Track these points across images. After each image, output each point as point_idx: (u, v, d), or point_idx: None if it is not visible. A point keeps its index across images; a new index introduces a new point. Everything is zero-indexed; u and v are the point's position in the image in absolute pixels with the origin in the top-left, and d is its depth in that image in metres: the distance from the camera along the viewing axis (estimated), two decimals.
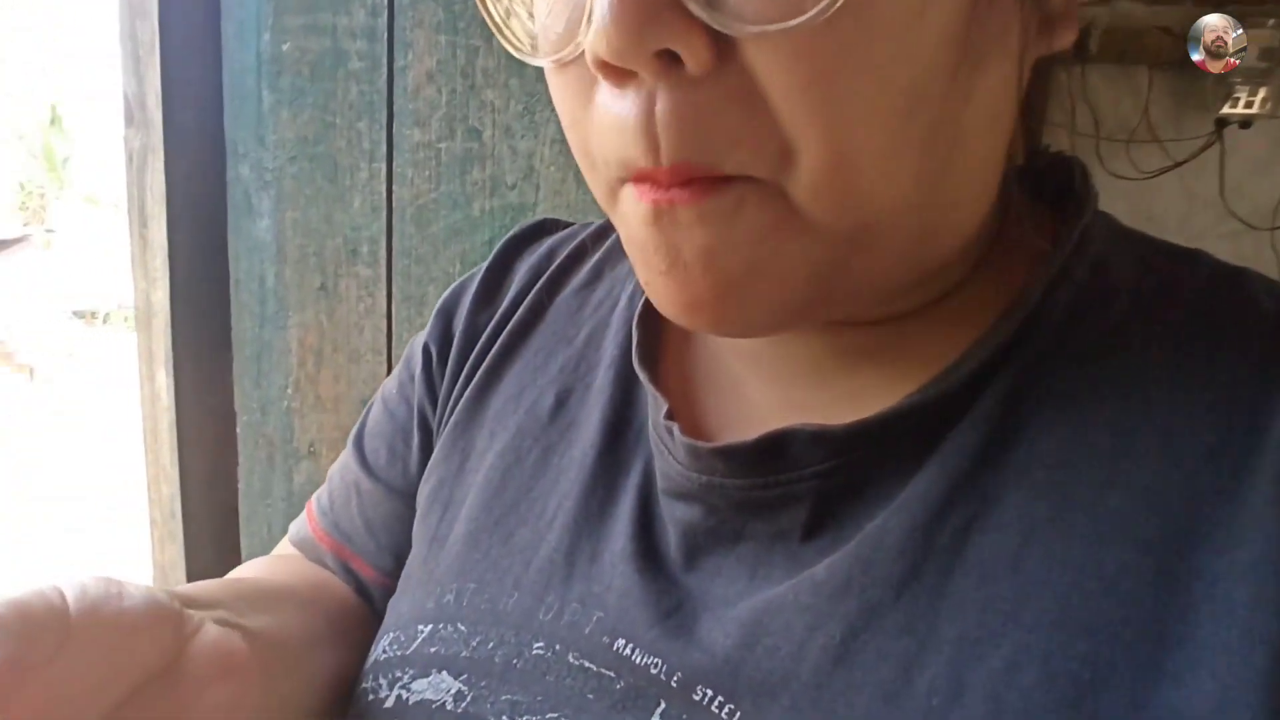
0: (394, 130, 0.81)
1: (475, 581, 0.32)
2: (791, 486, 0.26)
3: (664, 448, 0.30)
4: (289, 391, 0.86)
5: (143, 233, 0.87)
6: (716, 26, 0.20)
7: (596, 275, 0.39)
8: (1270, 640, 0.20)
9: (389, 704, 0.31)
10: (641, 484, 0.31)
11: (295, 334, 0.85)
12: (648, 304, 0.34)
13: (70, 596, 0.21)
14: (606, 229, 0.41)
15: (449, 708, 0.29)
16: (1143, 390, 0.24)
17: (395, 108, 0.81)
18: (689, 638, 0.27)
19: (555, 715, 0.27)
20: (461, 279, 0.43)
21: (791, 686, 0.24)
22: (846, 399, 0.28)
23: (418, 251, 0.82)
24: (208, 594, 0.30)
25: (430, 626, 0.32)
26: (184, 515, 0.88)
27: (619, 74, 0.21)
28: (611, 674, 0.27)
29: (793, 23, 0.19)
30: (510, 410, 0.36)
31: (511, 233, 0.43)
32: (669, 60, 0.20)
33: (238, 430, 0.90)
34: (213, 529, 0.90)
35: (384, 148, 0.82)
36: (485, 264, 0.42)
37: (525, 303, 0.39)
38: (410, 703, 0.30)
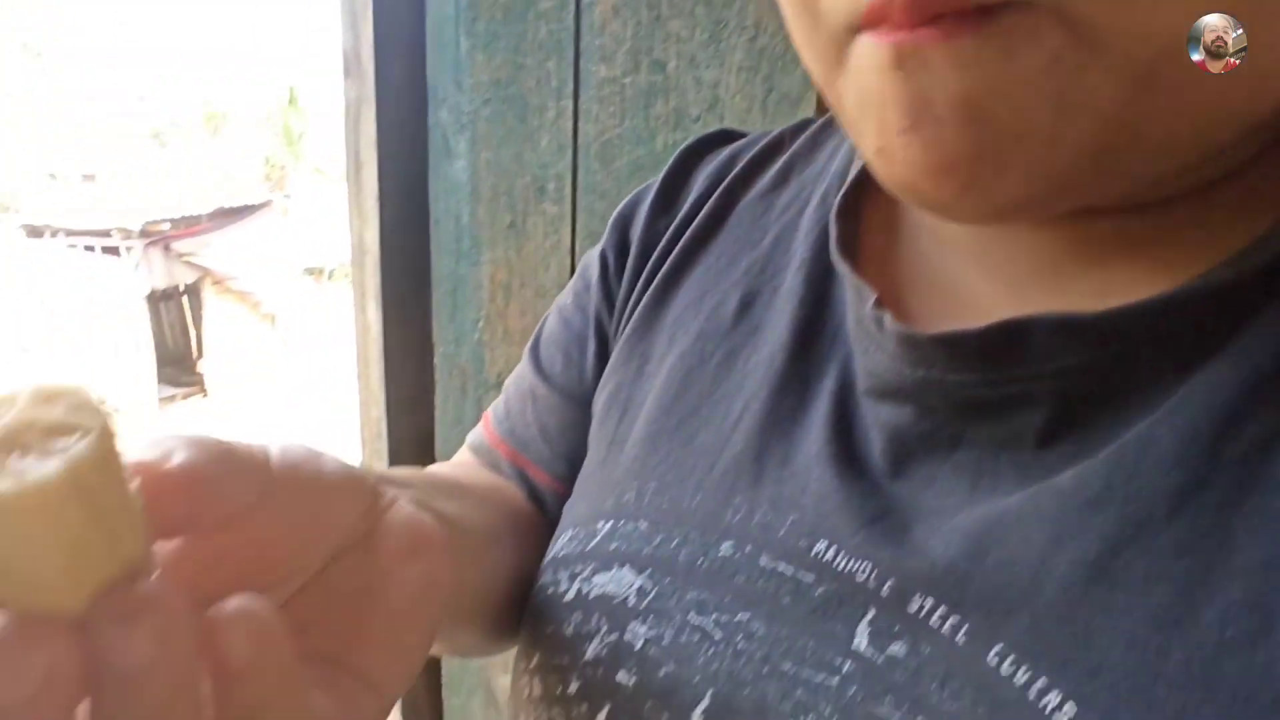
0: (580, 67, 0.82)
1: (656, 481, 0.31)
2: (1027, 385, 0.23)
3: (870, 342, 0.27)
4: (480, 325, 0.92)
5: (357, 177, 0.95)
6: None
7: (783, 178, 0.36)
8: None
9: (569, 597, 0.31)
10: (837, 388, 0.28)
11: (487, 270, 0.90)
12: (845, 199, 0.31)
13: (272, 453, 0.21)
14: (804, 124, 0.38)
15: (631, 603, 0.28)
16: None
17: (582, 44, 0.82)
18: (900, 544, 0.24)
19: (746, 616, 0.26)
20: (637, 190, 0.42)
21: (1033, 604, 0.21)
22: (1091, 297, 0.24)
23: (601, 188, 0.82)
24: (401, 476, 0.32)
25: (610, 523, 0.31)
26: (389, 436, 0.97)
27: None
28: (810, 578, 0.25)
29: None
30: (691, 315, 0.35)
31: (688, 142, 0.41)
32: None
33: (435, 360, 0.97)
34: (413, 449, 0.98)
35: (571, 85, 0.83)
36: (662, 173, 0.40)
37: (705, 208, 0.37)
38: (590, 596, 0.30)
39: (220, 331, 7.05)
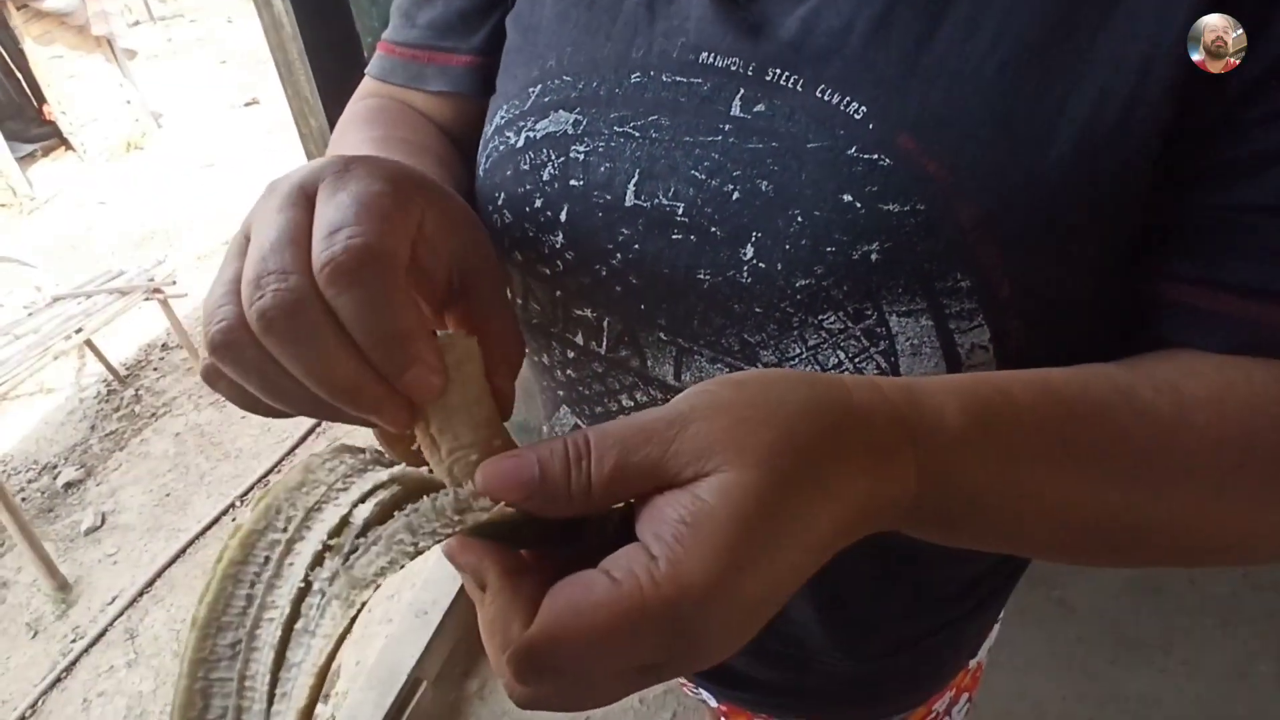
0: None
1: (571, 45, 0.37)
2: None
3: None
4: None
5: None
6: None
7: None
8: None
9: (519, 144, 0.37)
10: None
11: None
12: None
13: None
14: None
15: (569, 133, 0.36)
16: None
17: None
18: (756, 39, 0.32)
19: (655, 117, 0.34)
20: None
21: (843, 53, 0.30)
22: None
23: None
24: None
25: (539, 86, 0.38)
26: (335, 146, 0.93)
27: None
28: (699, 80, 0.33)
29: None
30: None
31: None
32: None
33: (365, 53, 0.90)
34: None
35: None
36: None
37: None
38: (538, 138, 0.37)
39: (53, 73, 6.03)
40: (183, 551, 2.91)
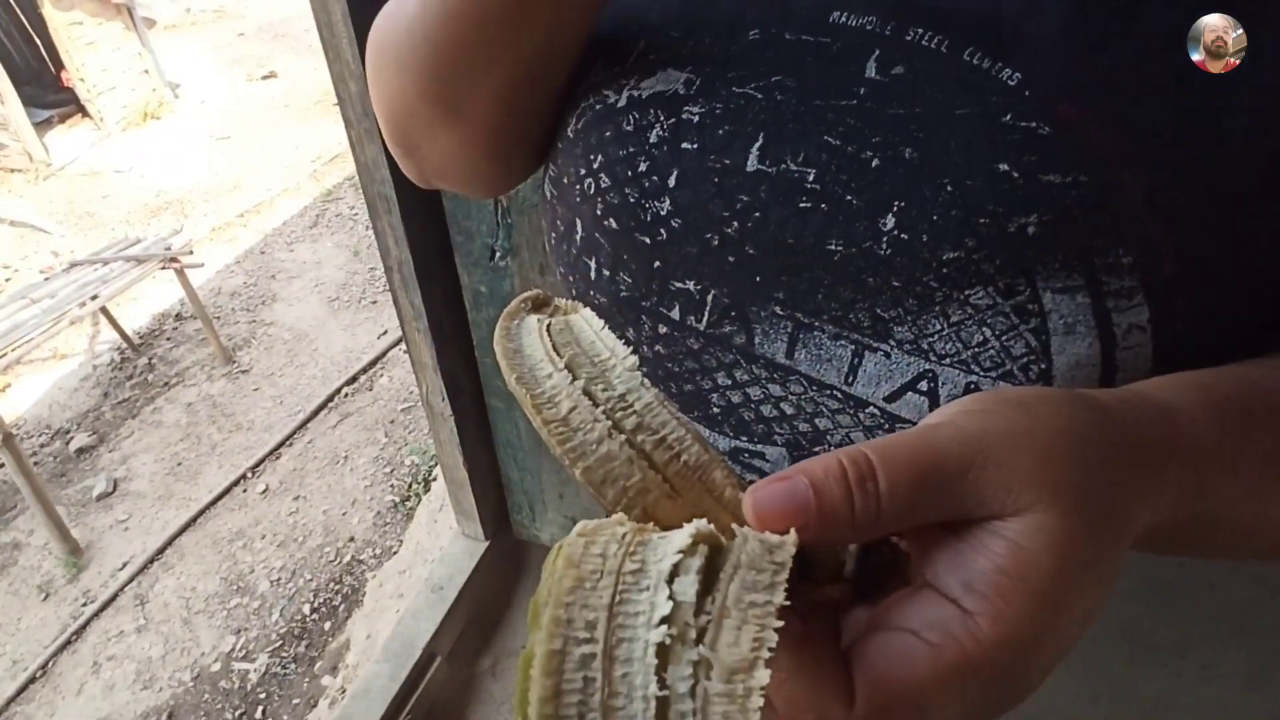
0: None
1: (678, 1, 0.35)
2: None
3: None
4: None
5: None
6: None
7: None
8: None
9: (621, 103, 0.34)
10: None
11: None
12: None
13: None
14: None
15: (681, 92, 0.33)
16: None
17: None
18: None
19: (778, 78, 0.32)
20: None
21: (996, 18, 0.29)
22: None
23: None
24: None
25: (641, 42, 0.35)
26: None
27: None
28: (827, 39, 0.31)
29: None
30: None
31: None
32: None
33: None
34: None
35: None
36: None
37: None
38: (643, 97, 0.34)
39: (71, 40, 6.01)
40: (194, 520, 2.92)
